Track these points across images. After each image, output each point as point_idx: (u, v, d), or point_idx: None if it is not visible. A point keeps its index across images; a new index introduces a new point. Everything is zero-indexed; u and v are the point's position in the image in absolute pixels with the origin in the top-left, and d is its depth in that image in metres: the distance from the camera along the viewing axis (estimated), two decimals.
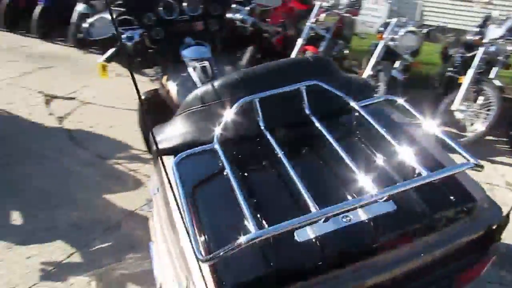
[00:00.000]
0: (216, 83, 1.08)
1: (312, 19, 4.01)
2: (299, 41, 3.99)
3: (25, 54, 4.74)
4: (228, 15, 2.15)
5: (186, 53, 2.04)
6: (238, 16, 2.11)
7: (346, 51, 4.95)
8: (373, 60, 3.66)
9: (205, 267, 0.72)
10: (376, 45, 3.73)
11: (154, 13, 2.09)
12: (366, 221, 0.79)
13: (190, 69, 1.97)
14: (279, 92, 0.96)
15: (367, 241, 0.78)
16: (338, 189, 0.73)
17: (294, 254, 0.75)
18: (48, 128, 3.21)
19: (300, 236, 0.76)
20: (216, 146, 0.89)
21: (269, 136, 0.92)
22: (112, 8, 2.08)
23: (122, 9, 2.06)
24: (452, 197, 0.85)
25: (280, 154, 0.85)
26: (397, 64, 3.65)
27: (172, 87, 1.92)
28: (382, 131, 0.87)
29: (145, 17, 2.07)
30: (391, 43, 3.61)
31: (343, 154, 0.83)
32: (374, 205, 0.80)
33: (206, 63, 2.00)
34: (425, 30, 3.84)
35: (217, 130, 0.92)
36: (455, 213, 0.84)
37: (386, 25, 3.80)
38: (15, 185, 2.50)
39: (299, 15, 4.48)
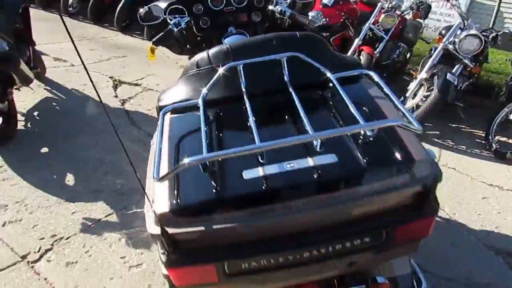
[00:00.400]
0: (211, 51, 1.22)
1: (371, 19, 3.99)
2: (356, 41, 4.00)
3: (104, 44, 5.26)
4: (270, 7, 2.27)
5: (227, 41, 2.20)
6: (278, 8, 2.22)
7: (408, 55, 4.84)
8: (429, 63, 3.56)
9: (161, 186, 0.85)
10: (436, 49, 3.63)
11: (202, 3, 2.28)
12: (308, 169, 0.86)
13: None
14: (262, 60, 1.06)
15: (305, 185, 0.85)
16: (286, 135, 0.81)
17: (239, 187, 0.85)
18: (111, 108, 3.57)
19: (248, 175, 0.85)
20: (200, 101, 1.01)
21: (245, 97, 1.03)
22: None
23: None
24: (392, 154, 0.89)
25: (249, 109, 0.96)
26: (455, 68, 3.50)
27: None
28: (345, 97, 0.94)
29: (194, 6, 2.27)
30: (450, 46, 3.48)
31: (302, 113, 0.92)
32: (318, 157, 0.87)
33: None
34: (492, 35, 3.64)
35: (204, 90, 1.05)
36: (392, 168, 0.88)
37: (449, 28, 3.67)
38: (73, 153, 2.84)
39: (362, 16, 4.46)
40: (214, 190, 0.83)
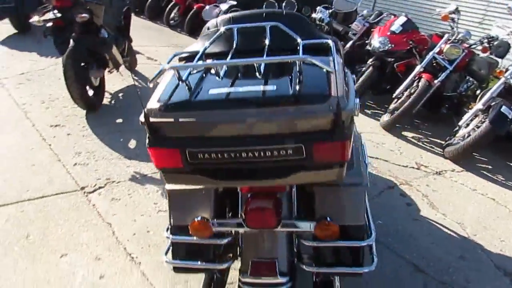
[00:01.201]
0: (219, 19, 1.61)
1: (436, 48, 4.13)
2: (418, 67, 4.15)
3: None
4: (313, 15, 2.65)
5: None
6: (318, 15, 2.59)
7: (479, 91, 4.80)
8: (488, 95, 3.61)
9: (153, 96, 1.26)
10: None
11: (258, 8, 2.73)
12: (254, 92, 1.20)
13: None
14: (252, 26, 1.43)
15: (249, 101, 1.18)
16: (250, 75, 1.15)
17: (203, 97, 1.21)
18: None
19: (212, 91, 1.22)
20: (200, 51, 1.40)
21: (231, 52, 1.40)
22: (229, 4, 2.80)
23: (234, 3, 2.77)
24: (316, 90, 1.18)
25: (232, 59, 1.33)
26: None
27: None
28: (302, 56, 1.26)
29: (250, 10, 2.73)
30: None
31: (267, 61, 1.27)
32: (264, 86, 1.21)
33: None
34: None
35: (206, 44, 1.44)
36: (313, 99, 1.16)
37: None
38: (140, 127, 3.42)
39: (432, 47, 4.59)
40: (184, 97, 1.21)
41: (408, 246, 2.42)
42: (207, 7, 2.69)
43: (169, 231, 1.56)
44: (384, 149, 3.76)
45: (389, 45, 4.41)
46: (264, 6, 2.70)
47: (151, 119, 1.20)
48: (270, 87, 1.21)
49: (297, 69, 1.22)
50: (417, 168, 3.49)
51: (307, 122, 1.15)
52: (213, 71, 1.35)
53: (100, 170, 2.74)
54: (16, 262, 1.89)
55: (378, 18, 5.05)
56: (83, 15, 3.11)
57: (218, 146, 1.19)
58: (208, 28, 1.62)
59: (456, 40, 4.16)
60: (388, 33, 4.50)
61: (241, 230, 1.50)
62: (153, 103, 1.23)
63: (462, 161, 3.63)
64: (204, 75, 1.33)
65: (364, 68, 4.70)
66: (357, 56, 4.95)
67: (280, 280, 1.46)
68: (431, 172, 3.44)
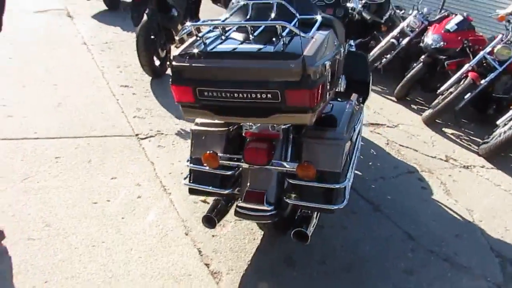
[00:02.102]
0: None
1: (487, 48, 4.18)
2: (466, 65, 4.24)
3: None
4: (348, 4, 2.95)
5: None
6: (351, 4, 2.89)
7: None
8: None
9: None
10: None
11: None
12: (251, 49, 1.59)
13: None
14: (262, 2, 1.81)
15: (245, 55, 1.58)
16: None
17: (213, 50, 1.63)
18: None
19: (218, 47, 1.64)
20: (221, 20, 1.82)
21: (244, 22, 1.80)
22: None
23: None
24: (292, 50, 1.54)
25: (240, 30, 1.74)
26: None
27: None
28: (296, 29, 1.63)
29: None
30: None
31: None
32: (258, 46, 1.59)
33: None
34: None
35: (227, 15, 1.85)
36: (288, 55, 1.52)
37: None
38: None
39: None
40: (198, 49, 1.64)
41: (409, 219, 2.67)
42: None
43: (189, 161, 2.02)
44: (417, 140, 3.94)
45: (442, 42, 4.52)
46: None
47: (174, 63, 1.65)
48: (260, 46, 1.60)
49: (280, 34, 1.59)
50: (445, 160, 3.64)
51: (282, 73, 1.53)
52: (224, 33, 1.77)
53: (153, 123, 3.29)
54: (78, 176, 2.47)
55: (438, 17, 5.14)
56: None
57: (219, 87, 1.61)
58: (233, 3, 2.03)
59: (510, 42, 4.17)
60: (442, 31, 4.60)
61: (241, 165, 1.91)
62: (176, 52, 1.68)
63: (496, 159, 3.71)
64: (216, 36, 1.75)
65: (415, 64, 4.85)
66: (413, 52, 5.10)
67: (266, 207, 1.86)
68: (458, 165, 3.58)
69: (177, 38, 1.72)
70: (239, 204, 1.91)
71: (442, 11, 5.24)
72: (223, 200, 2.05)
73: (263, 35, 1.67)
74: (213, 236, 2.21)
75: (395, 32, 5.23)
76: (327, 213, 2.00)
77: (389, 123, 4.22)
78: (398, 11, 5.61)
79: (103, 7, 6.59)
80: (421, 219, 2.71)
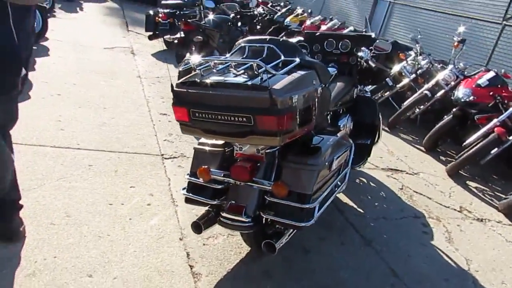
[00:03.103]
0: (243, 39, 2.39)
1: None
2: (494, 121, 4.31)
3: None
4: (359, 53, 3.27)
5: None
6: (360, 53, 3.21)
7: None
8: None
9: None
10: None
11: (321, 45, 3.47)
12: (231, 81, 1.96)
13: None
14: (256, 45, 2.18)
15: (227, 85, 1.94)
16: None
17: (205, 81, 2.01)
18: None
19: (210, 78, 2.02)
20: (221, 58, 2.22)
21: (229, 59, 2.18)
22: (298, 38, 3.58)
23: (302, 38, 3.55)
24: (266, 81, 1.86)
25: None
26: None
27: None
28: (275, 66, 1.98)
29: (314, 46, 3.48)
30: None
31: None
32: (240, 80, 1.95)
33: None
34: None
35: (227, 55, 2.25)
36: (261, 87, 1.84)
37: None
38: None
39: None
40: (194, 79, 2.03)
41: (398, 257, 2.80)
42: None
43: (188, 175, 2.39)
44: (434, 189, 4.02)
45: (471, 97, 4.64)
46: (325, 44, 3.44)
47: (175, 89, 2.06)
48: (241, 79, 1.96)
49: (256, 70, 1.94)
50: (458, 210, 3.70)
51: (254, 101, 1.87)
52: (219, 67, 2.16)
53: (179, 147, 3.73)
54: (103, 182, 2.92)
55: (475, 72, 5.26)
56: (198, 37, 4.24)
57: (207, 110, 1.99)
58: (236, 46, 2.44)
59: None
60: (473, 86, 4.73)
61: (229, 180, 2.23)
62: (177, 81, 2.09)
63: None
64: (213, 69, 2.14)
65: (445, 116, 4.97)
66: (448, 105, 5.22)
67: (244, 219, 2.15)
68: (471, 217, 3.62)
69: (180, 69, 2.12)
70: (222, 214, 2.23)
71: (482, 68, 5.35)
72: (213, 211, 2.37)
73: (247, 71, 2.04)
74: (204, 244, 2.52)
75: (430, 84, 5.42)
76: (297, 230, 2.24)
77: (409, 170, 4.34)
78: (436, 64, 5.80)
79: (163, 47, 7.41)
80: (412, 259, 2.82)
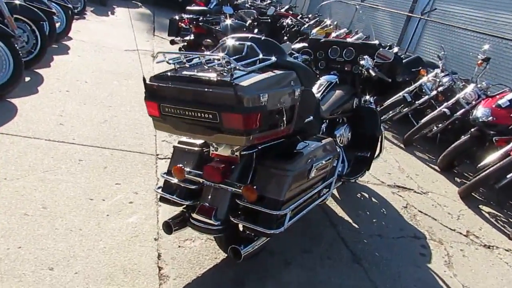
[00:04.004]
0: (227, 37, 2.33)
1: None
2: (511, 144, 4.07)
3: None
4: (361, 62, 3.15)
5: (323, 78, 3.21)
6: (362, 61, 3.09)
7: None
8: None
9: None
10: None
11: (325, 52, 3.37)
12: (200, 76, 1.89)
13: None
14: (237, 43, 2.11)
15: (195, 80, 1.88)
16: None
17: (175, 76, 1.95)
18: None
19: (181, 73, 1.96)
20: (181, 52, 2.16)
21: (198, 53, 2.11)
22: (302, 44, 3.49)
23: (306, 44, 3.46)
24: (234, 78, 1.78)
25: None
26: None
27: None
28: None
29: (318, 52, 3.39)
30: None
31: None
32: (210, 75, 1.88)
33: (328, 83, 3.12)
34: None
35: (209, 52, 2.19)
36: (228, 83, 1.76)
37: None
38: None
39: None
40: (165, 73, 1.98)
41: (387, 279, 2.63)
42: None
43: (165, 173, 2.33)
44: (442, 210, 3.80)
45: (490, 117, 4.41)
46: (329, 51, 3.34)
47: (146, 82, 2.01)
48: (211, 74, 1.89)
49: (224, 65, 1.87)
50: (464, 235, 3.47)
51: (221, 97, 1.79)
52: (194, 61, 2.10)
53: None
54: (89, 177, 2.90)
55: (497, 93, 5.00)
56: (208, 40, 4.23)
57: (174, 104, 1.93)
58: (220, 42, 2.39)
59: None
60: (493, 106, 4.49)
61: (200, 180, 2.16)
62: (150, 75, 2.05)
63: None
64: (186, 64, 2.08)
65: (463, 136, 4.74)
66: (468, 125, 4.98)
67: (213, 222, 2.07)
68: (478, 243, 3.39)
69: (154, 62, 2.09)
70: (192, 215, 2.15)
71: (506, 88, 5.08)
72: (187, 212, 2.30)
73: (221, 67, 1.97)
74: (179, 246, 2.44)
75: (450, 102, 5.21)
76: (265, 237, 2.13)
77: (417, 189, 4.14)
78: (459, 82, 5.56)
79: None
80: (402, 281, 2.64)
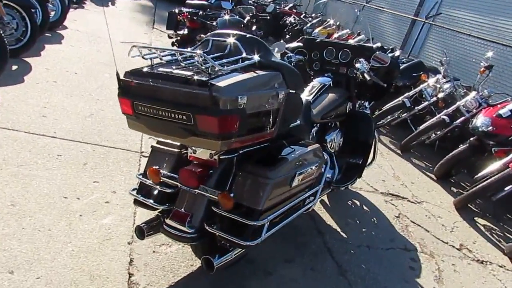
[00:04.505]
0: (210, 33, 2.19)
1: None
2: (510, 156, 3.94)
3: None
4: (356, 65, 3.01)
5: (317, 80, 3.07)
6: (358, 65, 2.95)
7: None
8: None
9: None
10: None
11: (320, 52, 3.24)
12: (176, 74, 1.75)
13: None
14: (220, 39, 1.98)
15: (171, 78, 1.74)
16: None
17: (150, 73, 1.82)
18: None
19: (157, 70, 1.83)
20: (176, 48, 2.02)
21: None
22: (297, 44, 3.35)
23: (301, 44, 3.31)
24: (211, 79, 1.65)
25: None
26: None
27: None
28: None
29: (313, 53, 3.26)
30: None
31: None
32: (186, 73, 1.74)
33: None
34: None
35: (190, 48, 2.06)
36: (204, 83, 1.62)
37: None
38: None
39: None
40: (141, 69, 1.85)
41: None
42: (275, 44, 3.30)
43: (141, 174, 2.21)
44: (435, 222, 3.67)
45: (490, 127, 4.27)
46: (324, 52, 3.21)
47: (120, 78, 1.88)
48: (187, 73, 1.76)
49: (201, 63, 1.73)
50: (457, 248, 3.34)
51: (195, 98, 1.66)
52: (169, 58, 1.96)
53: None
54: (66, 173, 2.77)
55: (499, 101, 4.86)
56: (202, 35, 4.10)
57: (147, 103, 1.79)
58: (202, 39, 2.25)
59: None
60: (494, 115, 4.36)
61: (177, 184, 2.03)
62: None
63: None
64: (163, 61, 1.94)
65: (462, 144, 4.61)
66: (468, 133, 4.84)
67: (187, 229, 1.94)
68: (471, 258, 3.26)
69: (130, 56, 1.94)
70: (165, 221, 2.02)
71: (508, 97, 4.94)
72: (162, 217, 2.17)
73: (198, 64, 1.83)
74: (154, 251, 2.32)
75: (450, 109, 5.08)
76: (241, 248, 2.00)
77: (412, 198, 4.01)
78: (460, 89, 5.42)
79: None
80: None
